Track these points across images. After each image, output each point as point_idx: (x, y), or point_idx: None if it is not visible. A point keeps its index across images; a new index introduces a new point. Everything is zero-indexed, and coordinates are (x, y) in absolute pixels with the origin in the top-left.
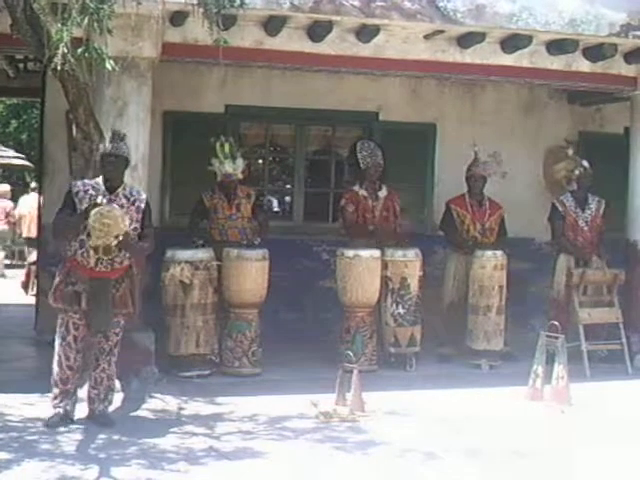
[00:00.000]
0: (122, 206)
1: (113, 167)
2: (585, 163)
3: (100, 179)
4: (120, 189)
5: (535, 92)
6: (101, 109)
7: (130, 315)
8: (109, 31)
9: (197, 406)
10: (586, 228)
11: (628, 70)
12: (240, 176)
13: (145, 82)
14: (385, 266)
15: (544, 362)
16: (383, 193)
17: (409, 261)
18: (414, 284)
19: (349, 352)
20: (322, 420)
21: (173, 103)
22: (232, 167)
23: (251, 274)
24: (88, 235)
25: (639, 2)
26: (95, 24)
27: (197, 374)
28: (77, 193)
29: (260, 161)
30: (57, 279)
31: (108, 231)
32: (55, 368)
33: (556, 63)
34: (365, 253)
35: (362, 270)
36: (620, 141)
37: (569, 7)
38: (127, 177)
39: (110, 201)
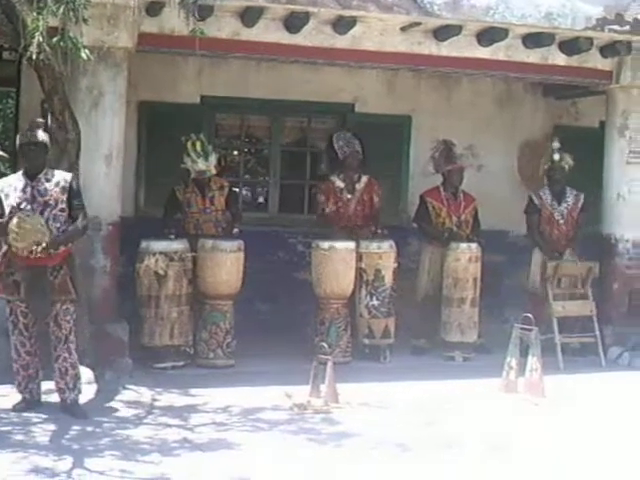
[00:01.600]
0: (45, 189)
1: (34, 155)
2: (555, 156)
3: (20, 171)
4: (41, 174)
5: (511, 85)
6: (76, 99)
7: (74, 301)
8: (85, 20)
9: (171, 397)
10: (562, 221)
11: (604, 64)
12: (214, 171)
13: (121, 72)
14: (360, 258)
15: (518, 354)
16: (361, 185)
17: (383, 253)
18: (388, 276)
19: (323, 344)
20: (296, 412)
21: (149, 93)
22: (205, 164)
23: (226, 265)
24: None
25: None
26: (71, 13)
27: (171, 365)
28: (2, 190)
29: (235, 152)
30: None
31: (25, 235)
32: (14, 356)
33: (532, 56)
34: (340, 245)
35: (337, 262)
36: (595, 135)
37: (545, 0)
38: (102, 166)
39: (32, 188)
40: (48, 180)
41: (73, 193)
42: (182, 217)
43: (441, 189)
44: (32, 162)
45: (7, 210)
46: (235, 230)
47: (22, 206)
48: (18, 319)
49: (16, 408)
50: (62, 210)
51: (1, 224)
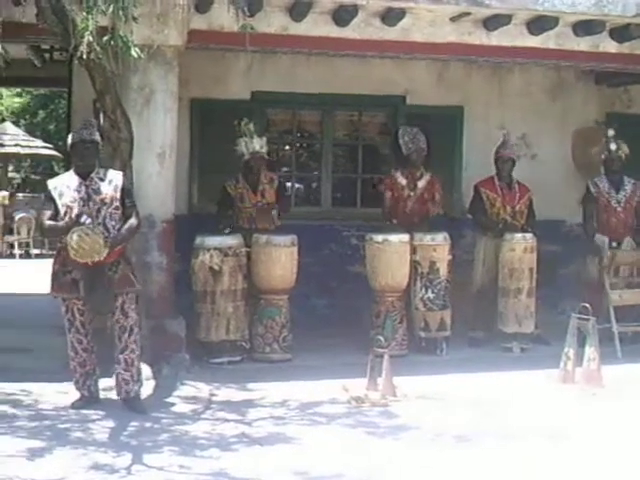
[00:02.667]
0: (99, 188)
1: (86, 153)
2: (612, 146)
3: (72, 170)
4: (94, 173)
5: (562, 74)
6: (128, 97)
7: (138, 292)
8: (134, 19)
9: (228, 392)
10: (619, 209)
11: None
12: (265, 155)
13: (171, 70)
14: (414, 250)
15: (575, 344)
16: (422, 183)
17: (438, 245)
18: (443, 268)
19: (379, 337)
20: (354, 405)
21: (200, 90)
22: (259, 144)
23: (280, 260)
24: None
25: None
26: (120, 12)
27: (228, 360)
28: (55, 189)
29: (287, 147)
30: (54, 268)
31: (84, 254)
32: (71, 354)
33: (583, 44)
34: (394, 238)
35: (391, 255)
36: None
37: None
38: (155, 165)
39: (87, 187)
40: (101, 179)
41: (126, 192)
42: (235, 212)
43: (495, 179)
44: (85, 161)
45: (62, 210)
46: (273, 212)
47: (77, 208)
48: (75, 317)
49: (75, 405)
50: (117, 208)
51: (56, 227)
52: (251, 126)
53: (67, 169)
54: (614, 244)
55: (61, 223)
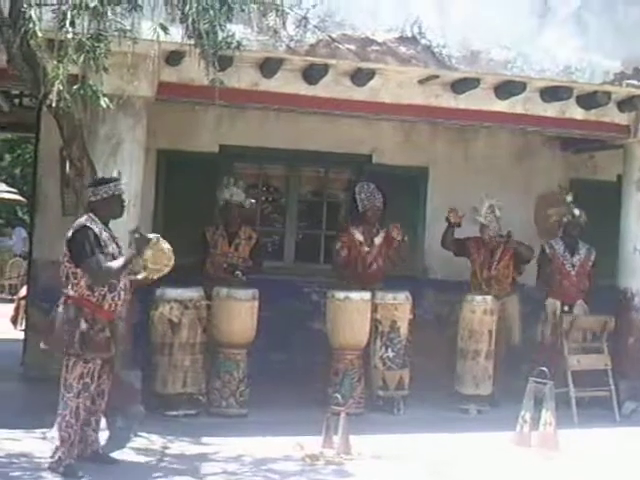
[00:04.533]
0: (116, 238)
1: (121, 206)
2: (576, 212)
3: (92, 215)
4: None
5: (528, 138)
6: (95, 146)
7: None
8: (105, 69)
9: (182, 446)
10: (573, 272)
11: (621, 118)
12: (240, 204)
13: (140, 121)
14: (375, 309)
15: (532, 408)
16: (379, 239)
17: (399, 304)
18: (404, 327)
19: (337, 395)
20: (308, 462)
21: (167, 142)
22: (229, 193)
23: (240, 314)
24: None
25: (633, 51)
26: (91, 62)
27: (184, 413)
28: (99, 235)
29: (253, 201)
30: (80, 327)
31: (162, 257)
32: (71, 421)
33: (550, 110)
34: (355, 295)
35: (352, 312)
36: (612, 188)
37: (564, 55)
38: None
39: (113, 238)
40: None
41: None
42: (207, 258)
43: (481, 243)
44: (118, 213)
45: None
46: (237, 273)
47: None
48: (93, 380)
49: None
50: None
51: (124, 261)
52: (232, 180)
53: (31, 214)
54: (566, 308)
55: (127, 255)
